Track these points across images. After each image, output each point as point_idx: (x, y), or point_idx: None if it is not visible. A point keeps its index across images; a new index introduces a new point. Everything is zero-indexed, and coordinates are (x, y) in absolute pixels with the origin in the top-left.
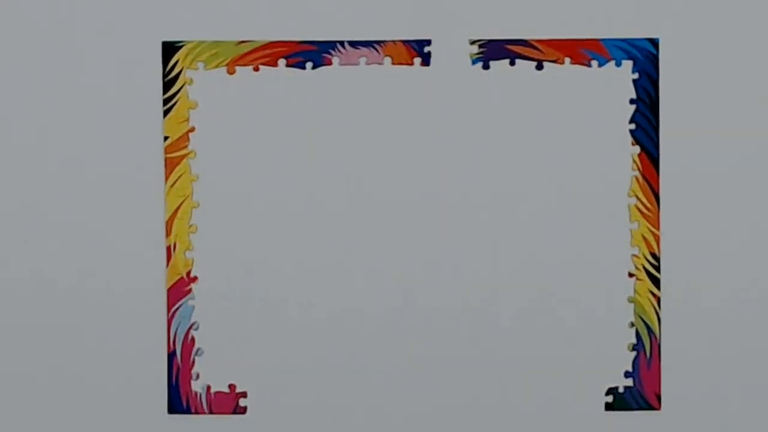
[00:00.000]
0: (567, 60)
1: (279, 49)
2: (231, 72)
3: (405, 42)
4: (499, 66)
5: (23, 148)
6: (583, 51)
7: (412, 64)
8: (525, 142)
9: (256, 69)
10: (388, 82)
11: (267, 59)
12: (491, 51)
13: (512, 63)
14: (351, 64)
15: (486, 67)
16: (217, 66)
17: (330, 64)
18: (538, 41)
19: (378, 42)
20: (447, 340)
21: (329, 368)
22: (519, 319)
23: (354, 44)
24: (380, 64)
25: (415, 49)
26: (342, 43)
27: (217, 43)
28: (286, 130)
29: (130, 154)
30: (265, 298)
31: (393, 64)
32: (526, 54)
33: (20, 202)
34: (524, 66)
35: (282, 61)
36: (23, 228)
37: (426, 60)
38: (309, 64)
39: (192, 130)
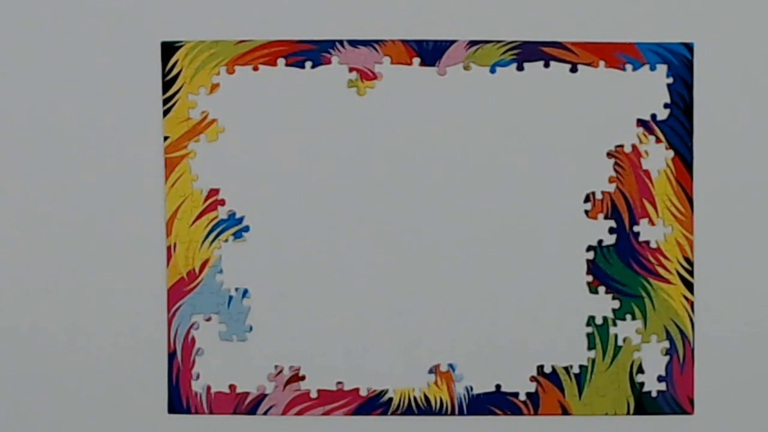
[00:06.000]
0: (601, 63)
1: (278, 48)
2: (230, 72)
3: (404, 42)
4: (534, 68)
5: (23, 148)
6: (618, 55)
7: (411, 64)
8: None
9: (256, 68)
10: (388, 81)
11: (266, 59)
12: (526, 53)
13: (546, 65)
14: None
15: (520, 68)
16: (216, 66)
17: (329, 63)
18: (573, 44)
19: (377, 41)
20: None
21: (330, 367)
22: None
23: (353, 43)
24: (379, 63)
25: (414, 49)
26: (341, 42)
27: (216, 43)
28: (285, 130)
29: (130, 154)
30: (266, 298)
31: (392, 63)
32: (560, 56)
33: (20, 203)
34: (558, 68)
35: (281, 61)
36: (23, 228)
37: (426, 60)
38: (308, 64)
39: (192, 129)
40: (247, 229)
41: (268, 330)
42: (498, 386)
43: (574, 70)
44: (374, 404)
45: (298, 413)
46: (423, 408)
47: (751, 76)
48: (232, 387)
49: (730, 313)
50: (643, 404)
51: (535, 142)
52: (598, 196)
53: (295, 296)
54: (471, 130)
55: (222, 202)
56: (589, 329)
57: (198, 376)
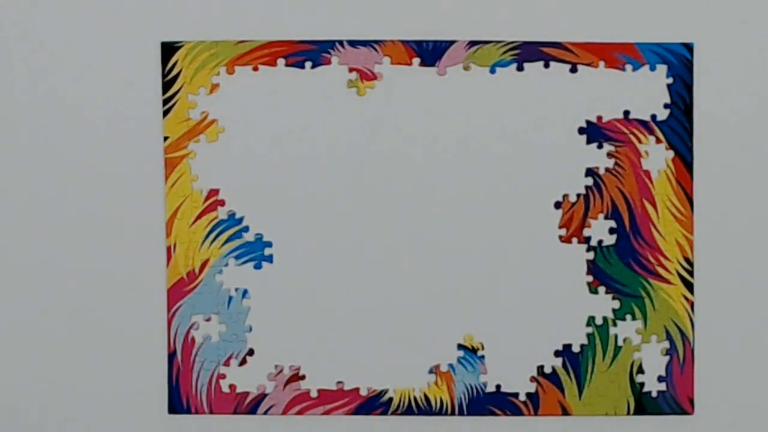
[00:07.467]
0: (601, 63)
1: (278, 48)
2: (230, 72)
3: (404, 42)
4: (534, 68)
5: (23, 149)
6: (618, 55)
7: (411, 64)
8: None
9: (256, 69)
10: (388, 81)
11: (266, 59)
12: (526, 53)
13: (546, 65)
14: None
15: (520, 68)
16: (216, 66)
17: (329, 63)
18: (573, 44)
19: (377, 41)
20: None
21: (330, 367)
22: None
23: (353, 44)
24: (379, 63)
25: (414, 49)
26: (341, 42)
27: (216, 43)
28: (285, 130)
29: (130, 154)
30: (266, 298)
31: (392, 63)
32: (560, 57)
33: (20, 203)
34: (558, 68)
35: (281, 61)
36: (23, 228)
37: (426, 60)
38: (308, 64)
39: (192, 130)
40: (246, 229)
41: (268, 330)
42: (498, 386)
43: (574, 70)
44: (374, 404)
45: (298, 413)
46: (423, 408)
47: (751, 76)
48: (232, 387)
49: (730, 313)
50: (643, 404)
51: (535, 143)
52: (598, 196)
53: (295, 296)
54: (471, 130)
55: (222, 203)
56: (589, 329)
57: (198, 376)
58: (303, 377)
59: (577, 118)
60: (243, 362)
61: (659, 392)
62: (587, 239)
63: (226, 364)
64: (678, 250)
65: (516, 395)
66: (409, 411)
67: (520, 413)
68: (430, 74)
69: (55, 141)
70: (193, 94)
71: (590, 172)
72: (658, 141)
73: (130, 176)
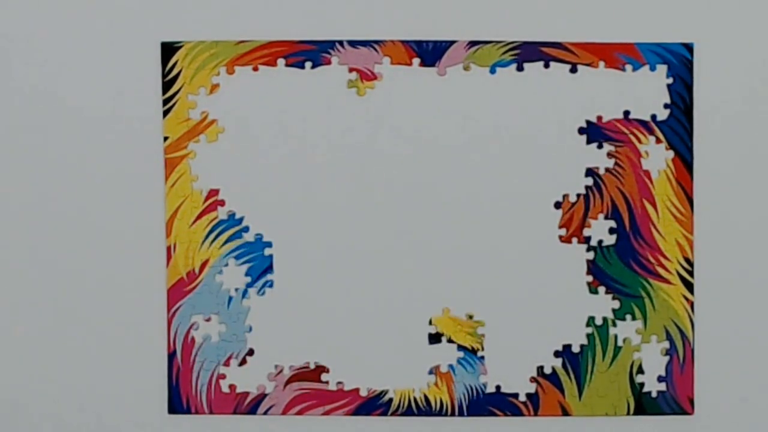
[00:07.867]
0: (601, 64)
1: (278, 48)
2: (230, 72)
3: (404, 42)
4: (534, 68)
5: (23, 148)
6: (618, 55)
7: (411, 64)
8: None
9: (256, 69)
10: (388, 82)
11: (266, 59)
12: (526, 53)
13: (546, 65)
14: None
15: (520, 68)
16: (216, 66)
17: (329, 63)
18: (573, 44)
19: (377, 41)
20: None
21: (329, 367)
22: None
23: (353, 44)
24: (379, 63)
25: (414, 49)
26: (341, 42)
27: (216, 43)
28: (285, 130)
29: (130, 154)
30: (266, 297)
31: (392, 63)
32: (560, 57)
33: (21, 203)
34: (558, 68)
35: (281, 61)
36: (23, 228)
37: (426, 60)
38: (308, 64)
39: (192, 130)
40: (246, 229)
41: (268, 330)
42: (498, 387)
43: (574, 70)
44: (374, 404)
45: (298, 413)
46: (423, 408)
47: (751, 76)
48: (232, 387)
49: (730, 313)
50: (643, 404)
51: (536, 143)
52: (598, 196)
53: (295, 296)
54: (471, 131)
55: (222, 203)
56: (589, 329)
57: (198, 376)
58: (303, 377)
59: (577, 118)
60: (243, 362)
61: (659, 392)
62: (587, 239)
63: (226, 364)
64: (678, 250)
65: (516, 396)
66: (409, 412)
67: (520, 414)
68: (430, 74)
69: (55, 141)
70: (193, 94)
71: (590, 172)
72: (658, 141)
73: (130, 176)
